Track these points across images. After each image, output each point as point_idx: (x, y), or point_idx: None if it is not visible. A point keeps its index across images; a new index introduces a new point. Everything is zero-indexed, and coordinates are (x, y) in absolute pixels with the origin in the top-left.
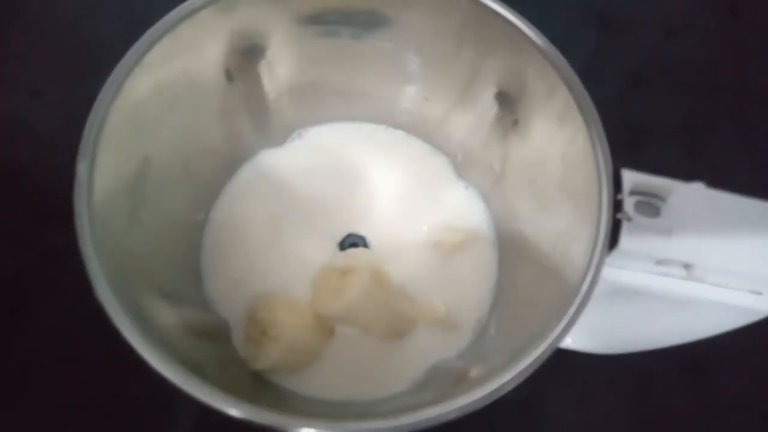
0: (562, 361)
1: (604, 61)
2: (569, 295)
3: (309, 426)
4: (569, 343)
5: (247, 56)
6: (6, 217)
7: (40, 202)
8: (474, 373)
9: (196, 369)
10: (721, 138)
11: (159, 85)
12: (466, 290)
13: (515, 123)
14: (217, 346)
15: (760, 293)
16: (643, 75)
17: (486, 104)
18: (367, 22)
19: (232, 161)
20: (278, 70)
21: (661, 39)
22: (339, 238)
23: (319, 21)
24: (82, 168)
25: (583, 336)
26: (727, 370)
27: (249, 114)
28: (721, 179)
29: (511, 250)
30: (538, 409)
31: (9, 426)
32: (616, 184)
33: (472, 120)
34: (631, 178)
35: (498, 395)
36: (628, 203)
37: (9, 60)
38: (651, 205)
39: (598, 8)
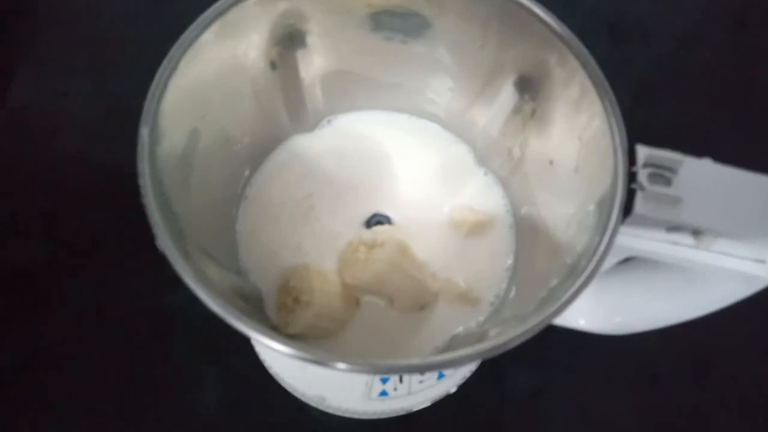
0: (571, 352)
1: (615, 70)
2: (582, 263)
3: (341, 361)
4: (582, 324)
5: (287, 44)
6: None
7: (79, 190)
8: (492, 333)
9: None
10: (728, 145)
11: (209, 65)
12: (485, 268)
13: (534, 110)
14: (252, 309)
15: (763, 261)
16: (652, 84)
17: (507, 95)
18: (412, 25)
19: (267, 143)
20: (315, 58)
21: (671, 48)
22: (365, 217)
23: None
24: (144, 132)
25: (597, 316)
26: (731, 366)
27: (285, 99)
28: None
29: (527, 231)
30: (548, 400)
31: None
32: (631, 159)
33: (493, 110)
34: (644, 152)
35: (511, 346)
36: (642, 175)
37: (35, 59)
38: (663, 176)
39: (610, 18)
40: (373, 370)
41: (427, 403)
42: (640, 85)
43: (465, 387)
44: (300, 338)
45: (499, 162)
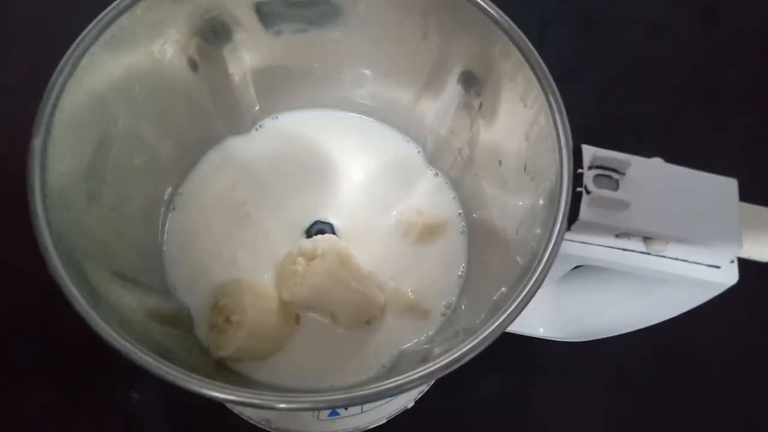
0: (536, 355)
1: (584, 59)
2: (530, 267)
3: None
4: (542, 332)
5: (211, 39)
6: None
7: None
8: (437, 350)
9: (159, 351)
10: (699, 133)
11: (118, 65)
12: (435, 277)
13: (481, 106)
14: (180, 333)
15: (718, 267)
16: (622, 74)
17: (453, 89)
18: (320, 13)
19: (197, 146)
20: (243, 54)
21: (640, 38)
22: (306, 225)
23: (275, 12)
24: (35, 142)
25: (555, 324)
26: (697, 359)
27: (214, 100)
28: (707, 164)
29: (479, 235)
30: (514, 403)
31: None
32: (577, 159)
33: (440, 105)
34: (590, 152)
35: (449, 369)
36: (588, 177)
37: None
38: (610, 178)
39: (578, 7)
40: (300, 407)
41: (383, 421)
42: (610, 75)
43: (424, 400)
44: (233, 361)
45: (450, 162)
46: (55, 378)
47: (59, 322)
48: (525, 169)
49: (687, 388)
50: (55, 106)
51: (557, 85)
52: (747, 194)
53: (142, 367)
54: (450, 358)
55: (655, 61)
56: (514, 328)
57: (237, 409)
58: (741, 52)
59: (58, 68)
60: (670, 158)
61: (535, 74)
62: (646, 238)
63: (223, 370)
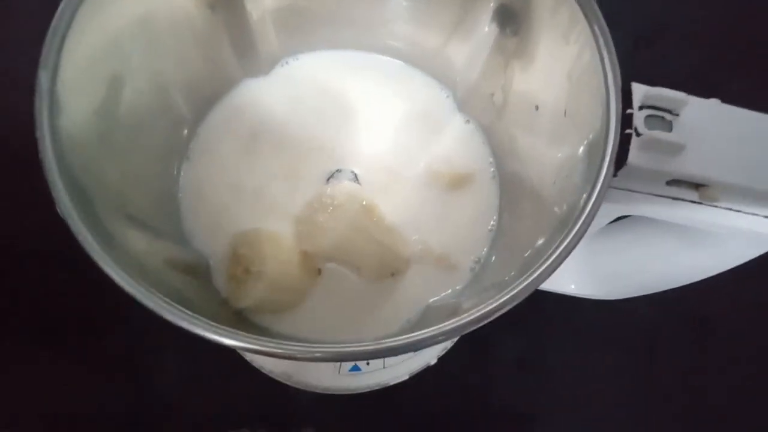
0: (563, 315)
1: (610, 19)
2: (573, 214)
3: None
4: (573, 289)
5: None
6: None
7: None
8: (466, 305)
9: (176, 298)
10: (730, 93)
11: (130, 2)
12: (464, 229)
13: (517, 46)
14: (198, 283)
15: None
16: (650, 32)
17: (486, 28)
18: None
19: (215, 91)
20: None
21: None
22: (328, 173)
23: None
24: (43, 76)
25: (588, 281)
26: (731, 325)
27: (231, 40)
28: None
29: (512, 185)
30: (539, 364)
31: None
32: (626, 99)
33: (471, 46)
34: (641, 90)
35: (482, 322)
36: (638, 117)
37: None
38: (663, 119)
39: None
40: (323, 357)
41: (405, 377)
42: (638, 34)
43: (447, 358)
44: (252, 312)
45: (481, 108)
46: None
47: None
48: (565, 113)
49: (720, 355)
50: (63, 38)
51: None
52: None
53: (157, 313)
54: (479, 313)
55: (684, 19)
56: (544, 284)
57: (257, 362)
58: None
59: (59, 9)
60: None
61: (580, 5)
62: (699, 186)
63: (243, 322)
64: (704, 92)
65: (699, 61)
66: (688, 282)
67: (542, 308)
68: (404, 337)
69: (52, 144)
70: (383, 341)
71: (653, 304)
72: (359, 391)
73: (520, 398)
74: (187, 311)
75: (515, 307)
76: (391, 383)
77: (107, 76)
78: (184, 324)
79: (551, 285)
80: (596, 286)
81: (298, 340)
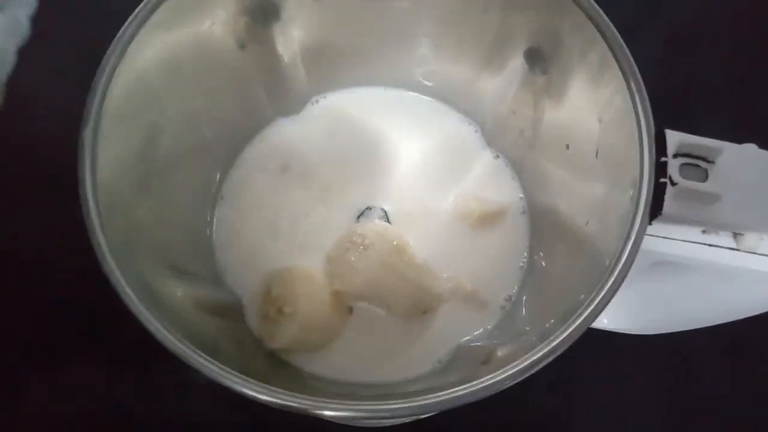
0: (596, 340)
1: (645, 19)
2: (605, 268)
3: (325, 408)
4: (605, 323)
5: (259, 19)
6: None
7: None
8: (501, 352)
9: (209, 346)
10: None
11: (166, 49)
12: (495, 265)
13: (547, 84)
14: (230, 324)
15: None
16: (686, 35)
17: (515, 65)
18: None
19: (247, 130)
20: (293, 32)
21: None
22: (359, 211)
23: None
24: (86, 134)
25: (621, 315)
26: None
27: (263, 80)
28: None
29: (543, 223)
30: (572, 390)
31: None
32: (659, 146)
33: (501, 82)
34: (676, 138)
35: (523, 376)
36: (673, 166)
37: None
38: (698, 167)
39: None
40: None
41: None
42: (673, 36)
43: None
44: (285, 352)
45: (510, 143)
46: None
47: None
48: (597, 154)
49: (757, 384)
50: (104, 95)
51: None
52: None
53: (188, 362)
54: (522, 365)
55: (721, 22)
56: None
57: None
58: None
59: (106, 55)
60: (742, 125)
61: (612, 51)
62: (737, 234)
63: (275, 361)
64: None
65: (735, 72)
66: (724, 321)
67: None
68: (440, 394)
69: (94, 198)
70: (417, 399)
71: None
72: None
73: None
74: (218, 364)
75: None
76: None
77: (145, 125)
78: (216, 377)
79: None
80: (630, 321)
81: (331, 381)
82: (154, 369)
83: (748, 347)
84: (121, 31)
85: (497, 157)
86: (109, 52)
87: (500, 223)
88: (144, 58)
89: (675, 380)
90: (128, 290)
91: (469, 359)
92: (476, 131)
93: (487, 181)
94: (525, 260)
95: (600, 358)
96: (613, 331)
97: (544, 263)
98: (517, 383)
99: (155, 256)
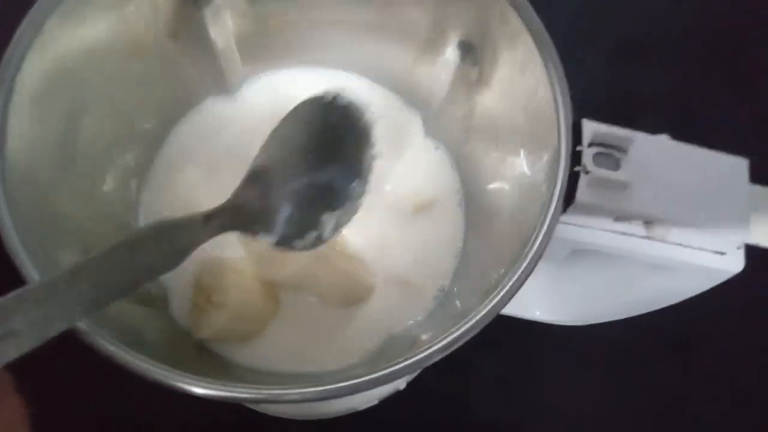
0: (534, 336)
1: (597, 22)
2: (519, 255)
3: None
4: (538, 315)
5: (190, 2)
6: None
7: None
8: (425, 337)
9: (133, 338)
10: (715, 106)
11: (88, 29)
12: (430, 256)
13: (478, 76)
14: (156, 313)
15: (723, 253)
16: (637, 39)
17: (450, 55)
18: None
19: (176, 110)
20: (226, 15)
21: (657, 4)
22: None
23: None
24: None
25: (552, 307)
26: (712, 342)
27: (195, 62)
28: (722, 141)
29: (476, 213)
30: (517, 385)
31: None
32: (576, 136)
33: (437, 72)
34: (591, 128)
35: (424, 364)
36: (587, 155)
37: None
38: (612, 157)
39: None
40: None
41: (375, 402)
42: (623, 38)
43: (417, 381)
44: (215, 342)
45: (449, 134)
46: None
47: None
48: (522, 144)
49: (702, 374)
50: (15, 73)
51: (566, 50)
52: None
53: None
54: (438, 345)
55: (674, 25)
56: (508, 310)
57: None
58: (762, 23)
59: (13, 39)
60: (686, 131)
61: (535, 41)
62: (648, 222)
63: (203, 352)
64: (683, 107)
65: (680, 76)
66: (646, 311)
67: (514, 330)
68: (361, 378)
69: (2, 175)
70: (341, 382)
71: (623, 321)
72: (330, 417)
73: (493, 423)
74: (144, 357)
75: (483, 330)
76: (361, 408)
77: (66, 106)
78: (143, 371)
79: (517, 311)
80: (560, 312)
81: (260, 371)
82: None
83: (687, 340)
84: (33, 8)
85: (437, 148)
86: (20, 27)
87: (436, 214)
88: (60, 43)
89: (620, 372)
90: (34, 275)
91: (399, 346)
92: (418, 119)
93: (426, 172)
94: (459, 250)
95: (544, 353)
96: (546, 322)
97: (475, 254)
98: (460, 380)
99: (75, 244)
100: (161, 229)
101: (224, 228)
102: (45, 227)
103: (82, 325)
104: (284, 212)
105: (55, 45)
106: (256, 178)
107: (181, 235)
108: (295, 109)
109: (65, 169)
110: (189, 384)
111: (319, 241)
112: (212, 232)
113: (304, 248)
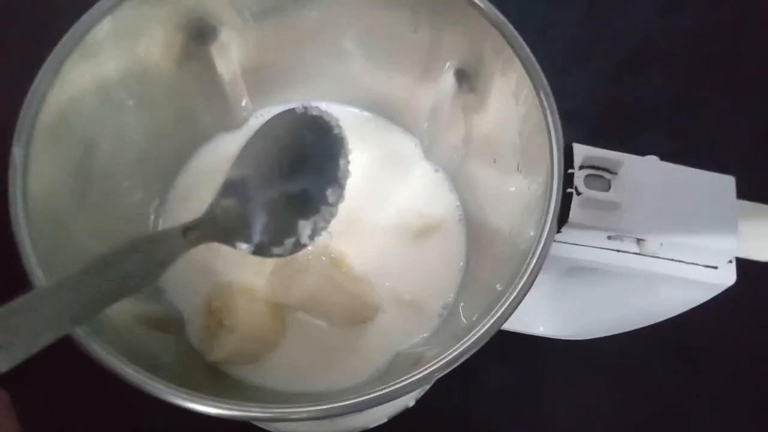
0: (540, 352)
1: (593, 40)
2: (518, 273)
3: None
4: (541, 330)
5: (197, 38)
6: None
7: None
8: (432, 353)
9: (148, 361)
10: (713, 115)
11: (102, 68)
12: (433, 275)
13: (474, 102)
14: (170, 338)
15: (715, 267)
16: (632, 56)
17: (447, 82)
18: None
19: (188, 144)
20: (231, 51)
21: (653, 17)
22: None
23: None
24: (17, 152)
25: (554, 322)
26: (714, 352)
27: (203, 98)
28: (715, 154)
29: (477, 232)
30: (524, 399)
31: None
32: (568, 159)
33: (435, 99)
34: (582, 151)
35: (430, 380)
36: (579, 177)
37: None
38: (602, 178)
39: None
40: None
41: (384, 420)
42: (621, 55)
43: (426, 398)
44: (226, 364)
45: (447, 158)
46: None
47: None
48: (518, 167)
49: (705, 384)
50: (35, 115)
51: (563, 71)
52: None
53: (130, 382)
54: (443, 361)
55: (667, 42)
56: (513, 326)
57: None
58: (758, 30)
59: (37, 78)
60: (681, 146)
61: (527, 70)
62: (640, 239)
63: (215, 373)
64: (682, 117)
65: (674, 91)
66: (644, 325)
67: (520, 346)
68: (369, 393)
69: (25, 216)
70: (348, 398)
71: (625, 334)
72: None
73: (505, 429)
74: (160, 381)
75: (490, 346)
76: (371, 426)
77: (81, 142)
78: (161, 394)
79: (520, 326)
80: (561, 327)
81: (271, 391)
82: None
83: (690, 351)
84: (55, 50)
85: (437, 171)
86: (42, 70)
87: (438, 235)
88: (77, 79)
89: (622, 384)
90: None
91: (405, 364)
92: (416, 146)
93: (426, 194)
94: (461, 268)
95: (550, 366)
96: (549, 337)
97: (477, 272)
98: (469, 396)
99: None
100: (140, 243)
101: (203, 239)
102: (65, 257)
103: (98, 348)
104: (260, 221)
105: (71, 85)
106: (231, 189)
107: (160, 248)
108: (268, 121)
109: (80, 201)
110: (202, 404)
111: (298, 246)
112: (190, 244)
113: (282, 255)
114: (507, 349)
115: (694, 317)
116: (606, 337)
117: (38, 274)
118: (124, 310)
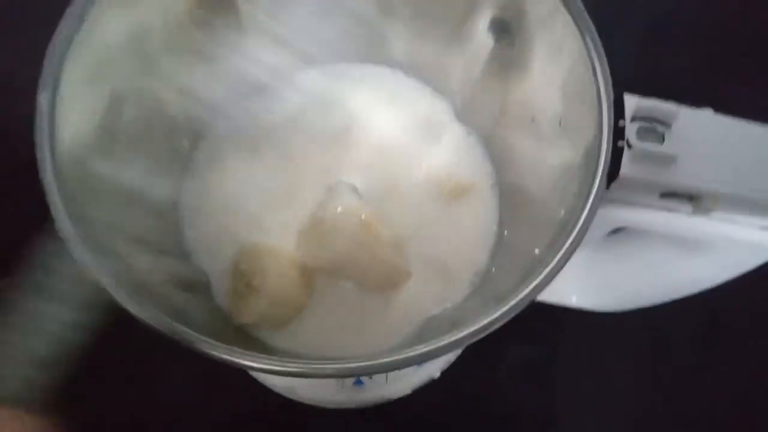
0: (569, 324)
1: (621, 6)
2: (567, 233)
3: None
4: (574, 301)
5: None
6: None
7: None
8: (461, 321)
9: (181, 317)
10: (736, 93)
11: (130, 18)
12: (465, 240)
13: (512, 57)
14: (198, 298)
15: None
16: (662, 22)
17: (482, 38)
18: None
19: (217, 105)
20: (258, 6)
21: None
22: (328, 187)
23: None
24: (42, 99)
25: (589, 292)
26: (745, 326)
27: (230, 56)
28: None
29: (511, 197)
30: (550, 374)
31: None
32: (618, 111)
33: (469, 57)
34: (633, 102)
35: (466, 342)
36: (630, 130)
37: None
38: (655, 131)
39: None
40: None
41: (408, 391)
42: (651, 22)
43: (451, 371)
44: (254, 327)
45: (480, 119)
46: None
47: None
48: (560, 124)
49: (728, 361)
50: (61, 61)
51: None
52: None
53: (161, 332)
54: (478, 326)
55: (701, 6)
56: (545, 296)
57: (261, 377)
58: None
59: (62, 19)
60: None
61: (573, 18)
62: (693, 198)
63: (244, 337)
64: (707, 90)
65: (703, 59)
66: (689, 293)
67: (548, 319)
68: (400, 353)
69: (52, 164)
70: (379, 357)
71: (657, 307)
72: (362, 406)
73: (527, 413)
74: (193, 333)
75: (517, 318)
76: (395, 397)
77: (107, 93)
78: (198, 346)
79: (553, 297)
80: (597, 299)
81: (299, 355)
82: None
83: (720, 326)
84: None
85: (470, 133)
86: (66, 14)
87: (470, 199)
88: (104, 26)
89: (653, 361)
90: (88, 256)
91: (437, 329)
92: (448, 107)
93: (457, 157)
94: (494, 234)
95: (577, 341)
96: (583, 309)
97: (512, 236)
98: (494, 369)
99: (121, 230)
100: None
101: None
102: (92, 213)
103: (135, 306)
104: None
105: (97, 27)
106: None
107: None
108: None
109: (108, 155)
110: (237, 357)
111: None
112: None
113: None
114: (533, 321)
115: (731, 291)
116: (635, 312)
117: (67, 227)
118: (157, 270)
